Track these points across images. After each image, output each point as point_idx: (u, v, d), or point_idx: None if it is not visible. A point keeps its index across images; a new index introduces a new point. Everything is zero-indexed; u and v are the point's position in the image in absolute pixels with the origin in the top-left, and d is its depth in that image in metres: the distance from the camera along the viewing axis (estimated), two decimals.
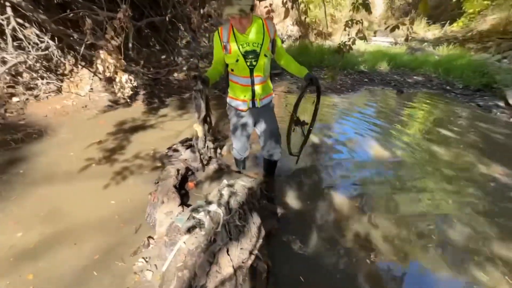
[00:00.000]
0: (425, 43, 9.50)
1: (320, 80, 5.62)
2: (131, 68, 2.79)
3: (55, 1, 3.68)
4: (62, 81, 3.76)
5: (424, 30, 11.39)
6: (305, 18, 3.51)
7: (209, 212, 1.40)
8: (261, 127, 1.92)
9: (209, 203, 1.48)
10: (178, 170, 2.01)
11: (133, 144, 2.79)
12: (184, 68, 5.00)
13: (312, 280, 1.47)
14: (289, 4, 2.84)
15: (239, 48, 1.54)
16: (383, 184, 2.37)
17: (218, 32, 1.57)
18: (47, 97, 3.49)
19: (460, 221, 1.95)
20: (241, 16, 1.38)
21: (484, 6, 9.27)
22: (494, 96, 4.91)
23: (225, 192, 1.49)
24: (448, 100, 4.99)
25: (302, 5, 3.33)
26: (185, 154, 2.47)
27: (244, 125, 1.92)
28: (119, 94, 2.76)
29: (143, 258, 1.48)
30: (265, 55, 1.60)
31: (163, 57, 5.03)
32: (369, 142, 3.13)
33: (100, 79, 4.07)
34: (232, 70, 1.67)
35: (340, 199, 2.13)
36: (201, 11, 5.87)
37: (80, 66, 4.00)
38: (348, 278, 1.50)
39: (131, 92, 2.82)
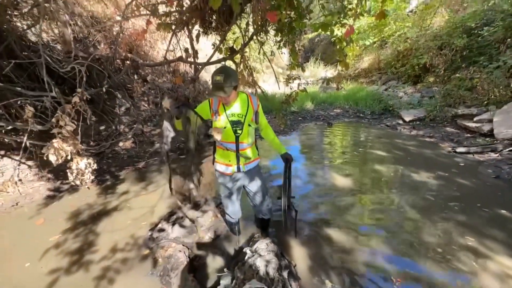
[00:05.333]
0: (324, 83, 11.74)
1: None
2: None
3: None
4: None
5: (325, 70, 14.11)
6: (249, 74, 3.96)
7: None
8: (253, 189, 1.98)
9: (243, 279, 1.44)
10: (184, 252, 1.85)
11: (102, 236, 2.40)
12: (129, 136, 4.72)
13: None
14: (245, 72, 3.22)
15: (227, 117, 1.71)
16: (350, 204, 2.74)
17: (209, 101, 1.75)
18: None
19: (424, 224, 2.42)
20: (225, 96, 1.58)
21: (359, 51, 12.34)
22: (394, 116, 6.42)
23: (259, 262, 1.48)
24: (364, 125, 6.21)
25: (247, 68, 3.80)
26: (175, 231, 2.29)
27: (234, 190, 1.99)
28: (77, 182, 2.40)
29: None
30: (249, 125, 1.79)
31: (102, 128, 4.65)
32: (325, 171, 3.62)
33: (29, 166, 3.43)
34: None
35: (332, 233, 2.35)
36: (135, 76, 5.86)
37: None
38: None
39: (92, 177, 2.50)
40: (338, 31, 4.20)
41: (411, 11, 9.85)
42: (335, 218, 2.57)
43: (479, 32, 6.19)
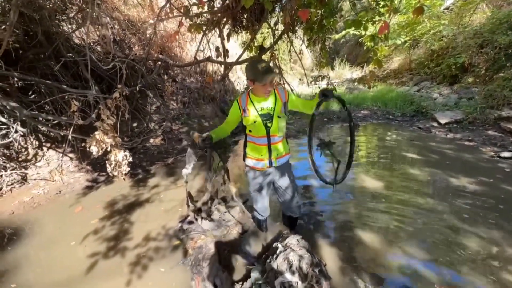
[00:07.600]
0: (355, 83, 11.37)
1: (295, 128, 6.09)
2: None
3: (16, 85, 3.41)
4: (26, 168, 3.29)
5: (351, 72, 13.71)
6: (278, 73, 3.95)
7: (283, 283, 1.35)
8: (283, 185, 1.96)
9: (276, 272, 1.43)
10: (216, 244, 1.89)
11: (136, 225, 2.52)
12: (159, 133, 4.92)
13: None
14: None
15: (257, 111, 1.72)
16: (382, 206, 2.61)
17: (237, 100, 1.77)
18: (10, 190, 2.97)
19: (467, 232, 2.25)
20: (272, 82, 1.63)
21: (388, 52, 11.84)
22: (427, 118, 6.06)
23: (293, 256, 1.46)
24: (395, 127, 5.93)
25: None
26: (204, 224, 2.34)
27: (264, 185, 1.98)
28: (115, 173, 2.55)
29: None
30: (279, 116, 1.77)
31: (135, 124, 4.89)
32: (353, 172, 3.48)
33: (71, 158, 3.70)
34: (250, 131, 1.80)
35: (363, 235, 2.25)
36: (165, 77, 6.11)
37: (45, 148, 3.60)
38: None
39: (128, 169, 2.64)
40: (370, 29, 4.04)
41: (446, 8, 9.28)
42: (365, 220, 2.47)
43: None
